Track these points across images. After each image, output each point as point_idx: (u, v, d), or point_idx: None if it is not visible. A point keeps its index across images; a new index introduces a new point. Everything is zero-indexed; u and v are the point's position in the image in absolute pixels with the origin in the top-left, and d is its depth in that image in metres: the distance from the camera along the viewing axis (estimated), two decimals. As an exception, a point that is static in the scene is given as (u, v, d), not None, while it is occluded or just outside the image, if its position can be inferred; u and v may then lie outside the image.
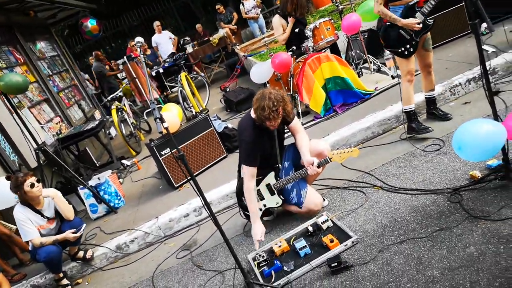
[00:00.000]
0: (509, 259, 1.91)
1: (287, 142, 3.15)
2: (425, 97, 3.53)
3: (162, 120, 2.20)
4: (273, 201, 2.98)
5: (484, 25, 4.01)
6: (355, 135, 3.83)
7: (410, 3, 3.06)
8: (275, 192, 2.96)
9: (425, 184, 2.76)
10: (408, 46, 3.18)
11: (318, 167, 2.76)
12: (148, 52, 9.70)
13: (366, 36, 5.45)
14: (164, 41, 9.66)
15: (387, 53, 4.77)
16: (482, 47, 3.82)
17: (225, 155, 4.65)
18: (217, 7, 10.89)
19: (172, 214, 3.78)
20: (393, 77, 4.65)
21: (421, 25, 3.04)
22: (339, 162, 2.90)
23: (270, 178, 2.95)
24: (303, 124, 4.48)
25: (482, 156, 2.19)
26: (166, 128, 2.22)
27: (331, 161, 2.78)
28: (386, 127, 3.83)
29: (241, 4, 10.26)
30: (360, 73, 5.21)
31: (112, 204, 4.46)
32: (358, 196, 2.99)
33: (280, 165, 3.01)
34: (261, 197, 2.98)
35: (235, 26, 10.84)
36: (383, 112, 3.89)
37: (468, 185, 2.52)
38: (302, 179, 2.98)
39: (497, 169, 2.48)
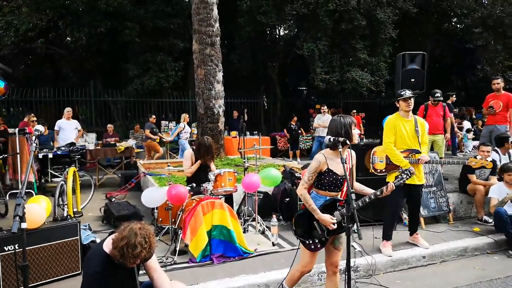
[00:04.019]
0: None
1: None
2: None
3: (22, 219, 1.93)
4: None
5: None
6: (223, 293, 3.71)
7: (334, 198, 3.05)
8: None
9: None
10: (316, 241, 3.07)
11: None
12: (46, 132, 9.08)
13: (261, 197, 5.82)
14: (69, 129, 9.21)
15: (274, 219, 5.05)
16: (351, 244, 4.29)
17: (80, 271, 4.08)
18: (153, 116, 11.69)
19: (-22, 330, 3.00)
20: (273, 244, 4.84)
21: (336, 225, 2.98)
22: None
23: None
24: (175, 264, 4.27)
25: None
26: (22, 230, 1.94)
27: None
28: (254, 292, 3.79)
29: (181, 122, 10.93)
30: (246, 229, 5.36)
31: None
32: None
33: None
34: None
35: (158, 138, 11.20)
36: (255, 277, 3.91)
37: None
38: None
39: None
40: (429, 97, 7.23)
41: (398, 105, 4.63)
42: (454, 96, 9.91)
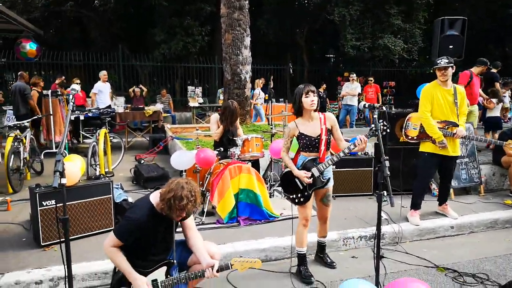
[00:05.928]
0: None
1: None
2: (317, 241, 3.77)
3: (62, 175, 2.00)
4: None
5: (385, 192, 4.51)
6: (248, 253, 3.80)
7: (313, 157, 3.33)
8: (160, 289, 2.68)
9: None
10: (299, 195, 3.36)
11: (218, 271, 2.63)
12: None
13: (287, 163, 5.82)
14: (106, 92, 9.53)
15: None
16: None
17: (113, 228, 4.26)
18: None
19: (22, 275, 3.20)
20: (299, 209, 4.88)
21: (311, 180, 3.24)
22: (240, 271, 2.78)
23: (160, 273, 2.69)
24: (203, 224, 4.39)
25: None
26: (62, 185, 2.02)
27: (231, 267, 2.68)
28: (279, 254, 3.88)
29: (256, 89, 11.30)
30: (272, 194, 5.41)
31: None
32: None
33: (175, 261, 2.80)
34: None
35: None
36: (281, 240, 3.98)
37: None
38: (183, 284, 2.78)
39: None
40: (478, 65, 6.61)
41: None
42: (500, 67, 9.16)
